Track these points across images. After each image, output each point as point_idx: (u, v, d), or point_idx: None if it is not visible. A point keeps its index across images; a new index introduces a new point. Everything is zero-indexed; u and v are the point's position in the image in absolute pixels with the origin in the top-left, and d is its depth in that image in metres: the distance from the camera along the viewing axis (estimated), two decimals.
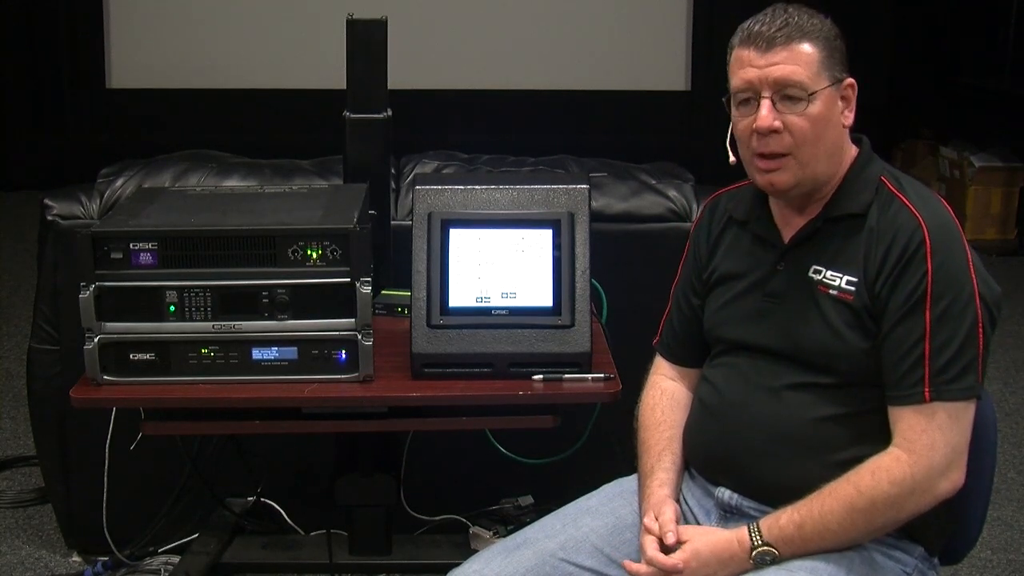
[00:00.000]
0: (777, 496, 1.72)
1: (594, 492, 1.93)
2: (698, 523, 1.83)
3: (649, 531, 1.75)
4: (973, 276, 1.67)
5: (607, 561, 1.82)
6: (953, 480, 1.66)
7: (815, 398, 1.73)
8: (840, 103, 1.74)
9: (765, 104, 1.71)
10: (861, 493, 1.65)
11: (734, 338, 1.84)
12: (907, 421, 1.66)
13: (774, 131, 1.71)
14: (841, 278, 1.72)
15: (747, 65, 1.72)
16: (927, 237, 1.66)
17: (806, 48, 1.70)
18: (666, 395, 1.95)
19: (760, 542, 1.68)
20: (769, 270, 1.81)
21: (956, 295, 1.65)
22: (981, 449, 1.75)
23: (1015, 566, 2.89)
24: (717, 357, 1.88)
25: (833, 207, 1.76)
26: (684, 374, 1.97)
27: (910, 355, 1.65)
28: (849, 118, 1.75)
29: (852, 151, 1.79)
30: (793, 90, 1.70)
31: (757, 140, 1.73)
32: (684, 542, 1.72)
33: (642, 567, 1.72)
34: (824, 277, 1.74)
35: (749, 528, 1.70)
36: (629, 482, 1.93)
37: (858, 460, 1.68)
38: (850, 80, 1.74)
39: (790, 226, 1.80)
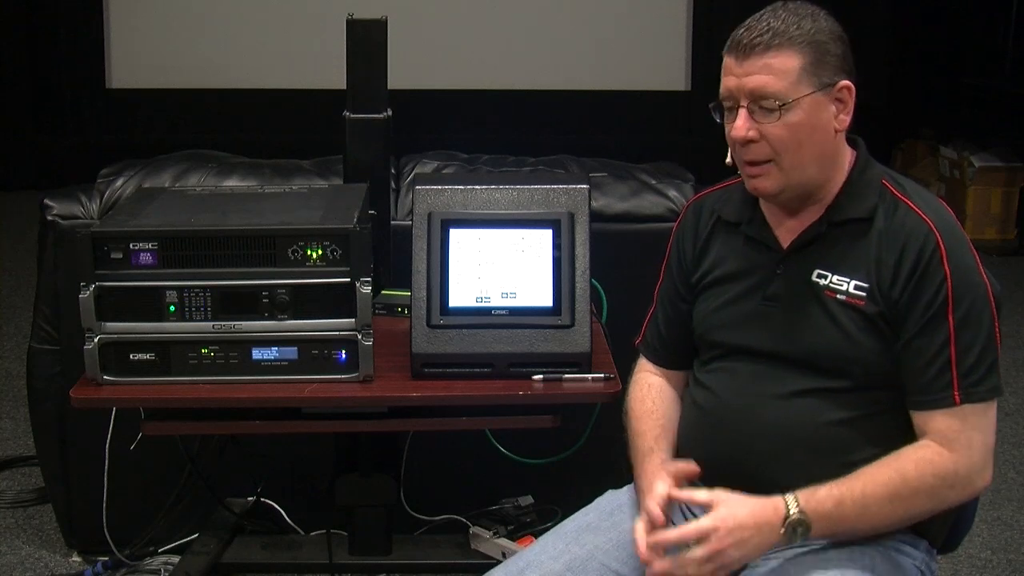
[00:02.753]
0: None
1: (589, 508, 1.90)
2: None
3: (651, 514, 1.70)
4: (983, 275, 1.69)
5: None
6: (986, 478, 1.69)
7: (826, 403, 1.73)
8: (834, 107, 1.71)
9: (741, 114, 1.71)
10: (906, 482, 1.65)
11: (733, 342, 1.82)
12: (939, 423, 1.66)
13: (750, 140, 1.71)
14: (848, 282, 1.71)
15: (728, 73, 1.72)
16: (941, 241, 1.66)
17: (784, 56, 1.67)
18: (654, 388, 1.94)
19: (796, 510, 1.62)
20: (767, 274, 1.79)
21: (975, 297, 1.67)
22: None
23: (1015, 566, 2.89)
24: (712, 361, 1.86)
25: (836, 211, 1.74)
26: (668, 375, 1.96)
27: (936, 360, 1.66)
28: (844, 121, 1.72)
29: (849, 154, 1.77)
30: (767, 101, 1.68)
31: (740, 148, 1.73)
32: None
33: (665, 562, 1.66)
34: (830, 282, 1.73)
35: (785, 497, 1.64)
36: (623, 494, 1.91)
37: (869, 460, 1.67)
38: (844, 83, 1.70)
39: (785, 228, 1.79)
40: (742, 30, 1.71)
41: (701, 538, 1.62)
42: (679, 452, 1.88)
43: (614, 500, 1.90)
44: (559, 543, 1.81)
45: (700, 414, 1.85)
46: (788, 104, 1.68)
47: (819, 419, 1.73)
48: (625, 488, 1.92)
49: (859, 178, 1.75)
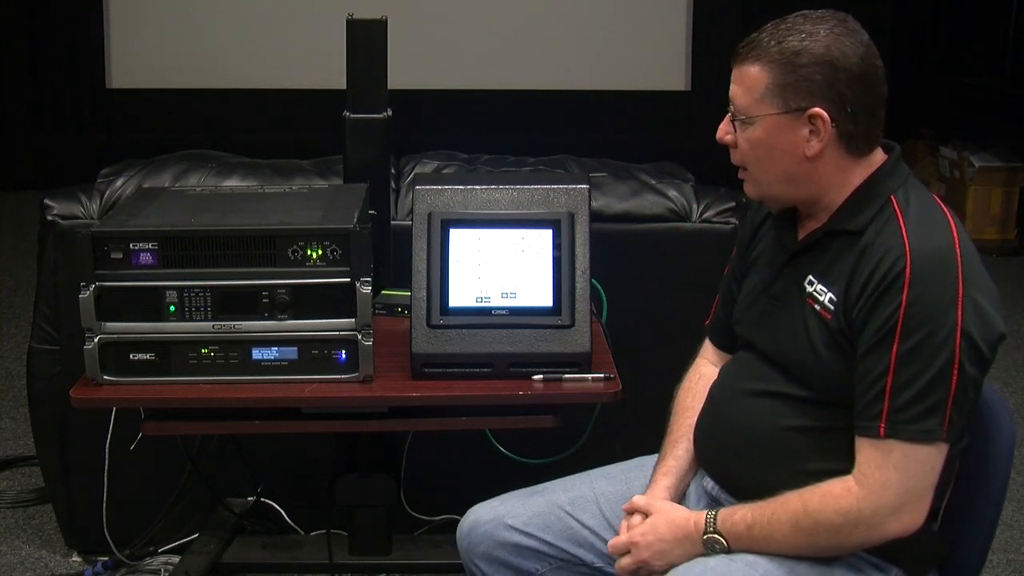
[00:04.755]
0: (748, 495, 1.74)
1: (620, 463, 2.00)
2: (689, 508, 1.86)
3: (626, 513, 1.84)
4: (959, 312, 1.57)
5: (606, 525, 1.89)
6: (905, 522, 1.62)
7: (788, 408, 1.74)
8: (806, 131, 1.66)
9: (726, 116, 1.74)
10: (807, 513, 1.65)
11: (744, 335, 1.87)
12: (864, 453, 1.63)
13: (726, 143, 1.75)
14: (826, 294, 1.69)
15: None
16: (908, 267, 1.58)
17: (755, 71, 1.67)
18: (703, 381, 1.97)
19: (712, 529, 1.72)
20: (777, 272, 1.81)
21: (930, 332, 1.57)
22: (987, 481, 1.72)
23: (1015, 566, 2.89)
24: (738, 350, 1.91)
25: (834, 221, 1.72)
26: (725, 360, 1.98)
27: (873, 387, 1.60)
28: (815, 148, 1.66)
29: (875, 163, 1.72)
30: (735, 112, 1.72)
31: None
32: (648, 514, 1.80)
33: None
34: (814, 290, 1.72)
35: (707, 514, 1.74)
36: (649, 459, 1.97)
37: (824, 472, 1.67)
38: (817, 111, 1.64)
39: (804, 229, 1.79)
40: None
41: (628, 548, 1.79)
42: (693, 432, 1.92)
43: (639, 461, 1.99)
44: (575, 481, 1.96)
45: (707, 400, 1.91)
46: (747, 120, 1.70)
47: (777, 423, 1.74)
48: (653, 456, 1.97)
49: (868, 191, 1.70)
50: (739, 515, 1.71)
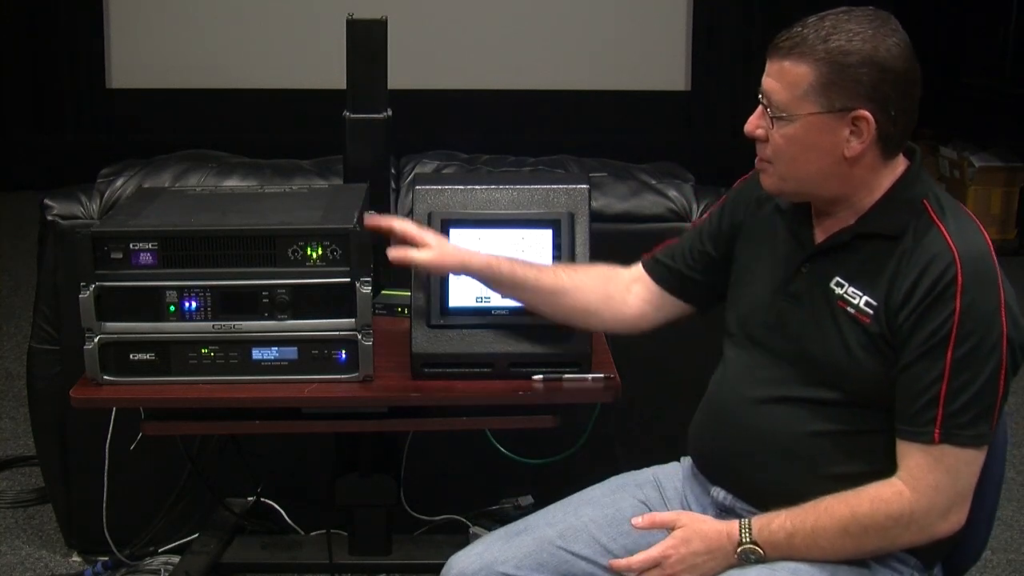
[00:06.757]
0: (769, 502, 1.72)
1: (600, 483, 1.96)
2: None
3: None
4: (1004, 318, 1.60)
5: (603, 551, 1.84)
6: (952, 523, 1.65)
7: (810, 412, 1.72)
8: (847, 131, 1.63)
9: (757, 110, 1.70)
10: (856, 519, 1.64)
11: (750, 331, 1.82)
12: (914, 458, 1.63)
13: (756, 138, 1.71)
14: (861, 297, 1.67)
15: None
16: (960, 273, 1.58)
17: (799, 68, 1.63)
18: (605, 269, 1.95)
19: (748, 540, 1.69)
20: (794, 269, 1.77)
21: (982, 338, 1.59)
22: (987, 472, 1.72)
23: (1015, 566, 2.89)
24: (733, 338, 1.86)
25: (865, 223, 1.69)
26: (649, 288, 1.95)
27: (925, 393, 1.61)
28: (855, 149, 1.63)
29: (899, 166, 1.70)
30: (772, 107, 1.67)
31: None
32: (678, 527, 1.74)
33: (621, 562, 1.77)
34: (845, 292, 1.69)
35: (740, 524, 1.70)
36: (634, 475, 1.95)
37: (852, 476, 1.67)
38: (861, 112, 1.61)
39: (822, 227, 1.75)
40: (785, 29, 1.67)
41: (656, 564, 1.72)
42: (689, 444, 1.90)
43: (622, 480, 1.96)
44: (559, 512, 1.90)
45: (707, 405, 1.88)
46: (786, 117, 1.65)
47: (804, 428, 1.72)
48: (641, 470, 1.96)
49: (899, 194, 1.68)
50: (777, 524, 1.68)
